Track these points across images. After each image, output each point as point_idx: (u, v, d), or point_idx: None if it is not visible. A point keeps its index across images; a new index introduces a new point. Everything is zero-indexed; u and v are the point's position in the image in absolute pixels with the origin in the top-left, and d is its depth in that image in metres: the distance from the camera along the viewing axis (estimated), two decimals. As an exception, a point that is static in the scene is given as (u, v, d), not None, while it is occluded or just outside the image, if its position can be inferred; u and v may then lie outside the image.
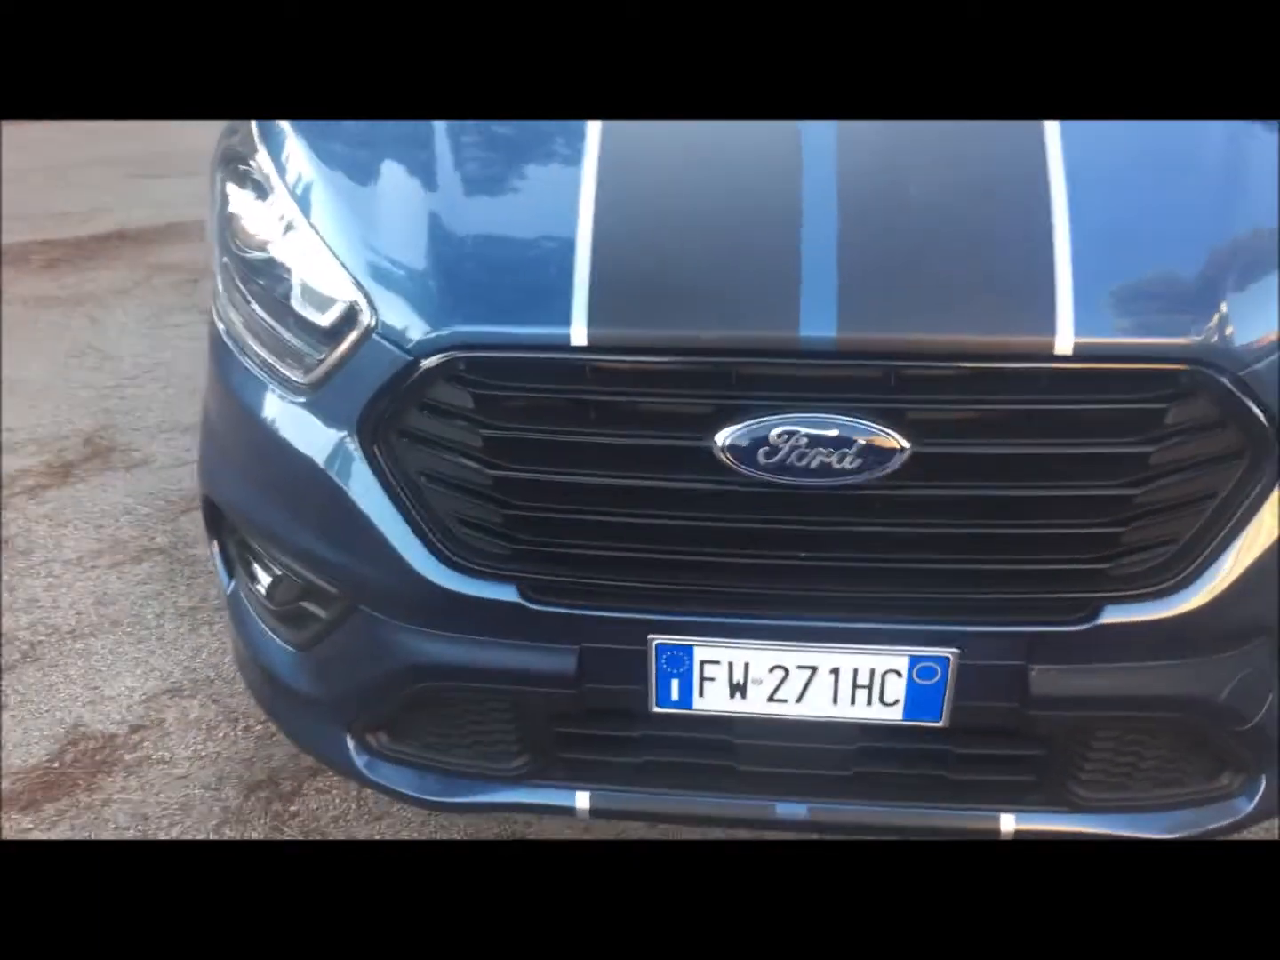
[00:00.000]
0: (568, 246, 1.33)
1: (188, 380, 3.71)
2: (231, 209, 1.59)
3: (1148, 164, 1.41)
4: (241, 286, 1.56)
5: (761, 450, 1.28)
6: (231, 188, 1.61)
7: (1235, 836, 1.53)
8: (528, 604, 1.40)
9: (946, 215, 1.35)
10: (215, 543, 1.79)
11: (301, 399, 1.46)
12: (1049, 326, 1.26)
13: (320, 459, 1.44)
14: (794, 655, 1.39)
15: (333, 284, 1.43)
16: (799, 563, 1.35)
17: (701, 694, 1.42)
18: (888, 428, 1.27)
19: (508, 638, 1.43)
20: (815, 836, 1.78)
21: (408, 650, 1.48)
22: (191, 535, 2.83)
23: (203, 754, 2.16)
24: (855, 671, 1.38)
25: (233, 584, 1.76)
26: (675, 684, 1.42)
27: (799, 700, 1.41)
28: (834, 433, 1.27)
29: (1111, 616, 1.35)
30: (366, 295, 1.39)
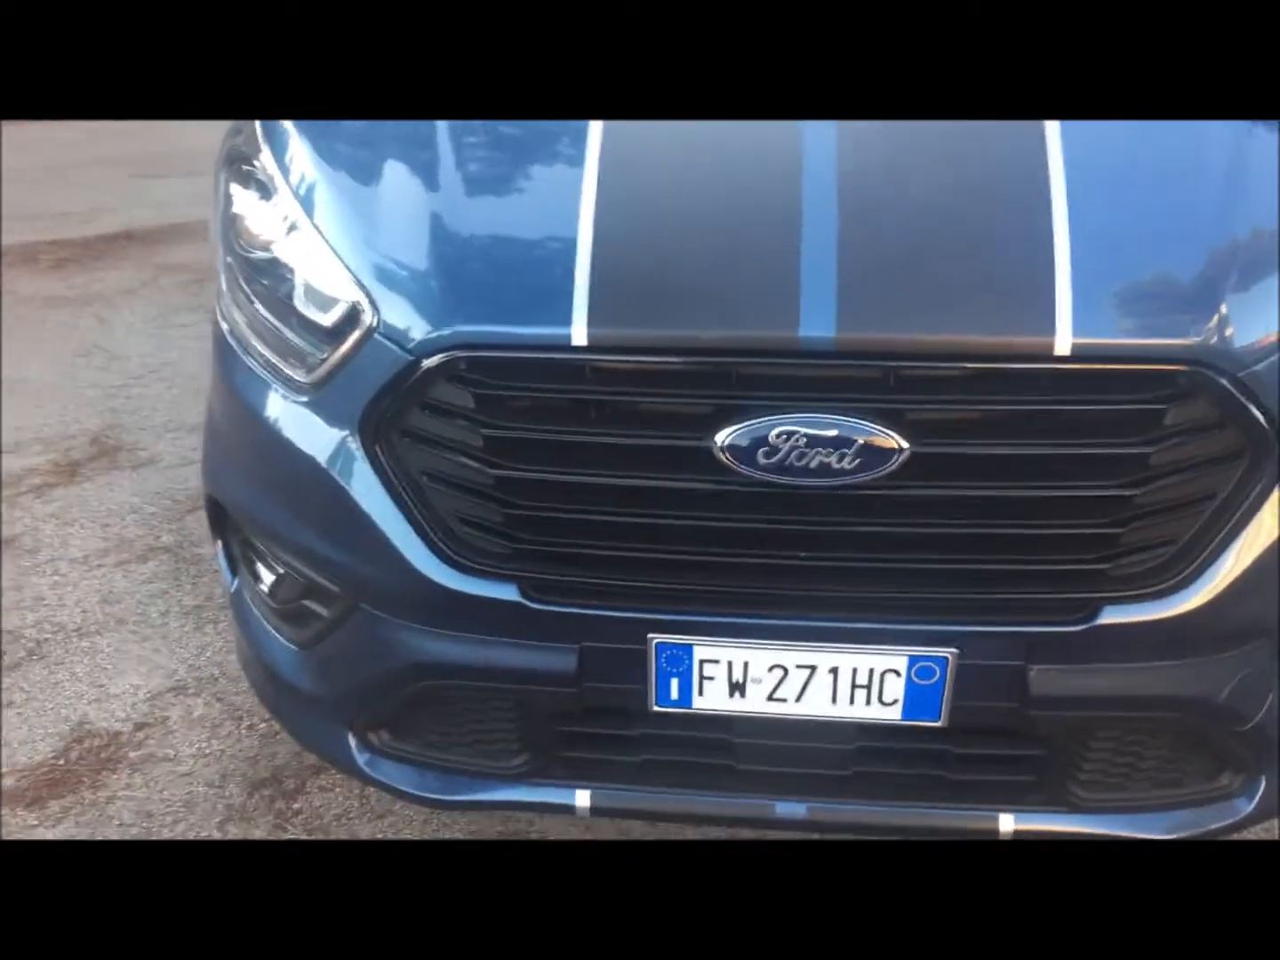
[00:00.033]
0: (568, 246, 1.34)
1: (194, 380, 3.72)
2: (235, 209, 1.60)
3: (1147, 165, 1.41)
4: (245, 286, 1.57)
5: (761, 450, 1.28)
6: (235, 188, 1.62)
7: (1235, 836, 1.53)
8: (528, 603, 1.41)
9: (946, 216, 1.35)
10: (219, 541, 1.80)
11: (304, 398, 1.47)
12: (1048, 327, 1.26)
13: (322, 458, 1.45)
14: (793, 655, 1.39)
15: (335, 284, 1.44)
16: (798, 562, 1.35)
17: (701, 693, 1.42)
18: (887, 428, 1.27)
19: (508, 637, 1.44)
20: (815, 836, 1.78)
21: (409, 649, 1.49)
22: (197, 534, 2.84)
23: (207, 752, 2.17)
24: (854, 671, 1.39)
25: (236, 582, 1.77)
26: (675, 683, 1.42)
27: (798, 700, 1.41)
28: (833, 433, 1.27)
29: (1111, 617, 1.35)
30: (368, 295, 1.40)
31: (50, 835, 1.98)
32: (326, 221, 1.47)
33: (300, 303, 1.48)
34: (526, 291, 1.36)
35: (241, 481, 1.64)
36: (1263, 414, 1.29)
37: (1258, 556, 1.33)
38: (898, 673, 1.38)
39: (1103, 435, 1.30)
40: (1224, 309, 1.29)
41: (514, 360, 1.34)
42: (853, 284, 1.29)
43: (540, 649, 1.43)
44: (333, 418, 1.44)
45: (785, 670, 1.40)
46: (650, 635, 1.39)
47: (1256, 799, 1.47)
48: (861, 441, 1.27)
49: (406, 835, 1.98)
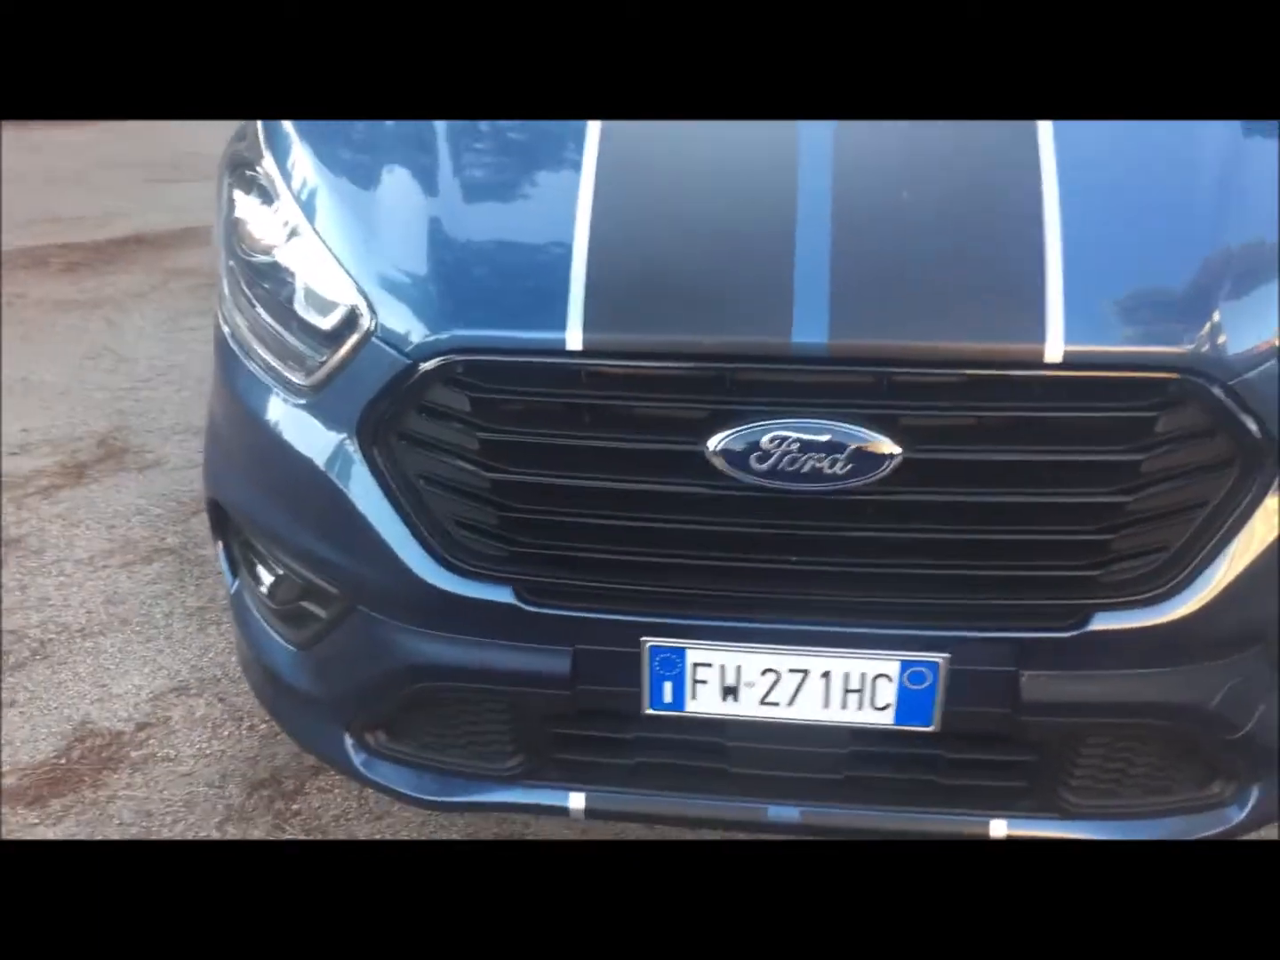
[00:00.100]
0: (564, 252, 1.35)
1: (201, 383, 3.74)
2: (237, 214, 1.62)
3: (1140, 173, 1.42)
4: (246, 290, 1.59)
5: (754, 455, 1.29)
6: (238, 193, 1.64)
7: (1252, 821, 1.50)
8: (523, 605, 1.42)
9: (939, 223, 1.36)
10: (220, 543, 1.82)
11: (302, 401, 1.48)
12: (1039, 334, 1.27)
13: (320, 460, 1.46)
14: (785, 659, 1.40)
15: (335, 288, 1.45)
16: (791, 567, 1.36)
17: (694, 696, 1.43)
18: (879, 433, 1.28)
19: (503, 639, 1.45)
20: (811, 837, 1.79)
21: (405, 650, 1.50)
22: (201, 536, 2.86)
23: (207, 752, 2.19)
24: (846, 675, 1.39)
25: (237, 584, 1.78)
26: (668, 686, 1.43)
27: (790, 704, 1.42)
28: (825, 438, 1.28)
29: (1102, 623, 1.35)
30: (367, 299, 1.42)
31: (51, 834, 2.00)
32: (327, 226, 1.49)
33: (300, 306, 1.49)
34: (523, 296, 1.37)
35: (242, 483, 1.66)
36: (1254, 422, 1.29)
37: (1249, 564, 1.33)
38: (889, 677, 1.39)
39: (1094, 442, 1.30)
40: (1216, 317, 1.30)
41: (510, 364, 1.35)
42: (845, 291, 1.30)
43: (535, 651, 1.44)
44: (331, 420, 1.45)
45: (778, 674, 1.41)
46: (644, 638, 1.40)
47: (1248, 808, 1.47)
48: (854, 447, 1.28)
49: (404, 836, 1.99)
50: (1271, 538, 1.33)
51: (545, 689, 1.45)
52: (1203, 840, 1.48)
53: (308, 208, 1.52)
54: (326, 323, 1.46)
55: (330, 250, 1.47)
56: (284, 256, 1.52)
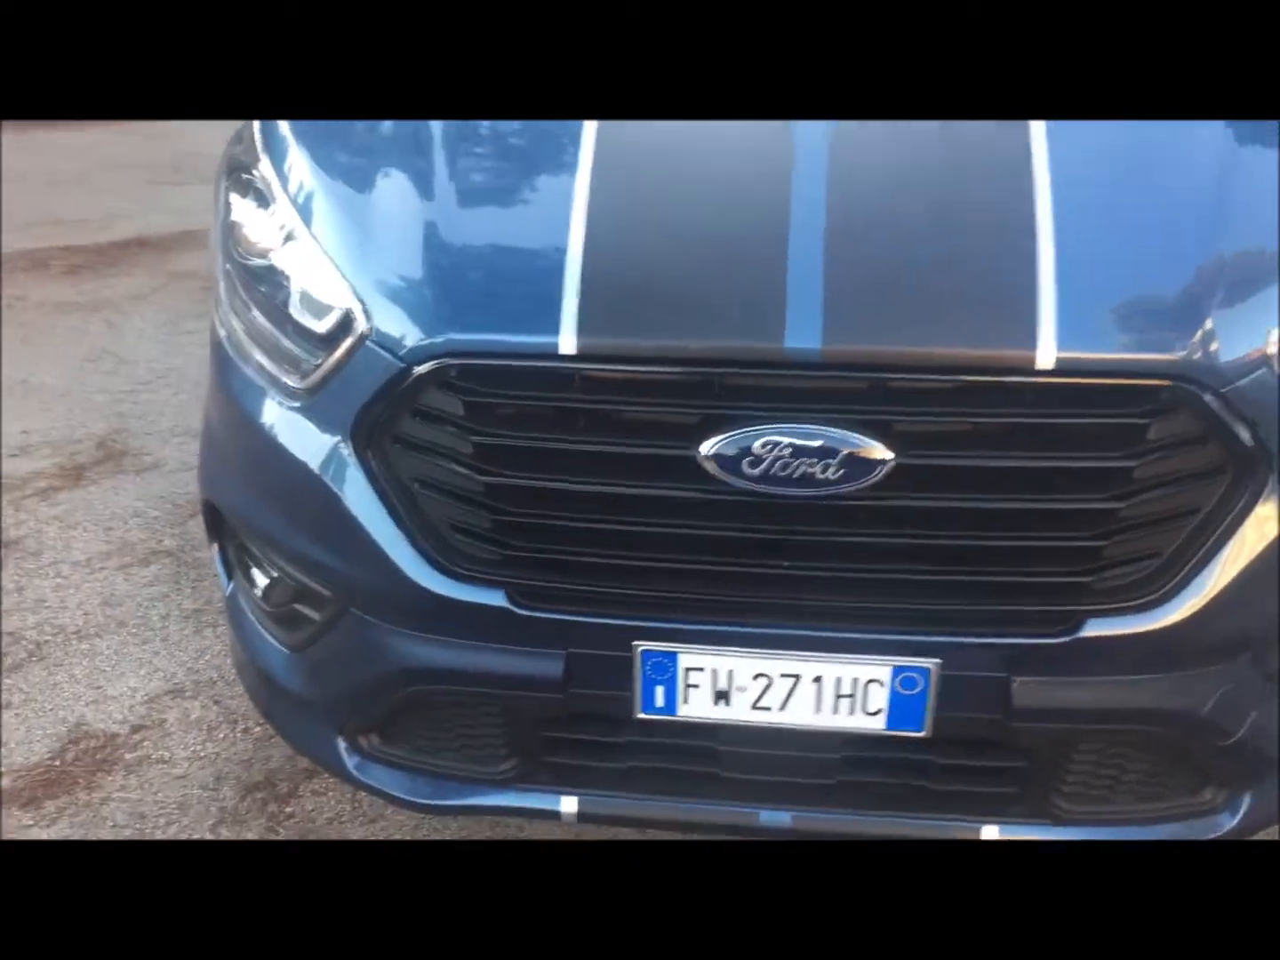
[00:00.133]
0: (559, 256, 1.35)
1: (200, 385, 3.72)
2: (234, 217, 1.62)
3: (1133, 180, 1.42)
4: (243, 293, 1.59)
5: (746, 460, 1.29)
6: (234, 196, 1.64)
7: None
8: (515, 609, 1.42)
9: (932, 229, 1.36)
10: (215, 545, 1.82)
11: (297, 404, 1.49)
12: (1030, 341, 1.27)
13: (315, 463, 1.46)
14: (777, 663, 1.40)
15: (330, 291, 1.46)
16: (783, 572, 1.37)
17: (686, 701, 1.43)
18: (871, 439, 1.28)
19: (495, 642, 1.45)
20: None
21: (398, 653, 1.50)
22: (199, 538, 2.85)
23: (202, 754, 2.19)
24: (838, 680, 1.40)
25: (232, 586, 1.79)
26: (660, 690, 1.43)
27: (782, 708, 1.42)
28: (817, 443, 1.28)
29: (1094, 630, 1.35)
30: (362, 303, 1.42)
31: (45, 835, 2.00)
32: (323, 230, 1.49)
33: (296, 310, 1.50)
34: (517, 300, 1.37)
35: (237, 486, 1.66)
36: (1246, 429, 1.30)
37: (1241, 571, 1.33)
38: (881, 683, 1.39)
39: (1086, 448, 1.31)
40: (1208, 324, 1.30)
41: (503, 368, 1.36)
42: (838, 296, 1.31)
43: (527, 655, 1.44)
44: (326, 423, 1.45)
45: (769, 679, 1.41)
46: (636, 642, 1.40)
47: (1240, 814, 1.47)
48: (846, 452, 1.28)
49: (398, 839, 1.99)
50: (1263, 545, 1.33)
51: (538, 692, 1.46)
52: (1202, 840, 1.48)
53: (304, 211, 1.53)
54: (322, 326, 1.46)
55: (326, 254, 1.47)
56: (280, 260, 1.53)
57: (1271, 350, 1.31)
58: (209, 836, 2.00)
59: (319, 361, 1.46)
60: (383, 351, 1.39)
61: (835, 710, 1.41)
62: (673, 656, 1.40)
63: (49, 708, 2.32)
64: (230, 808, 2.06)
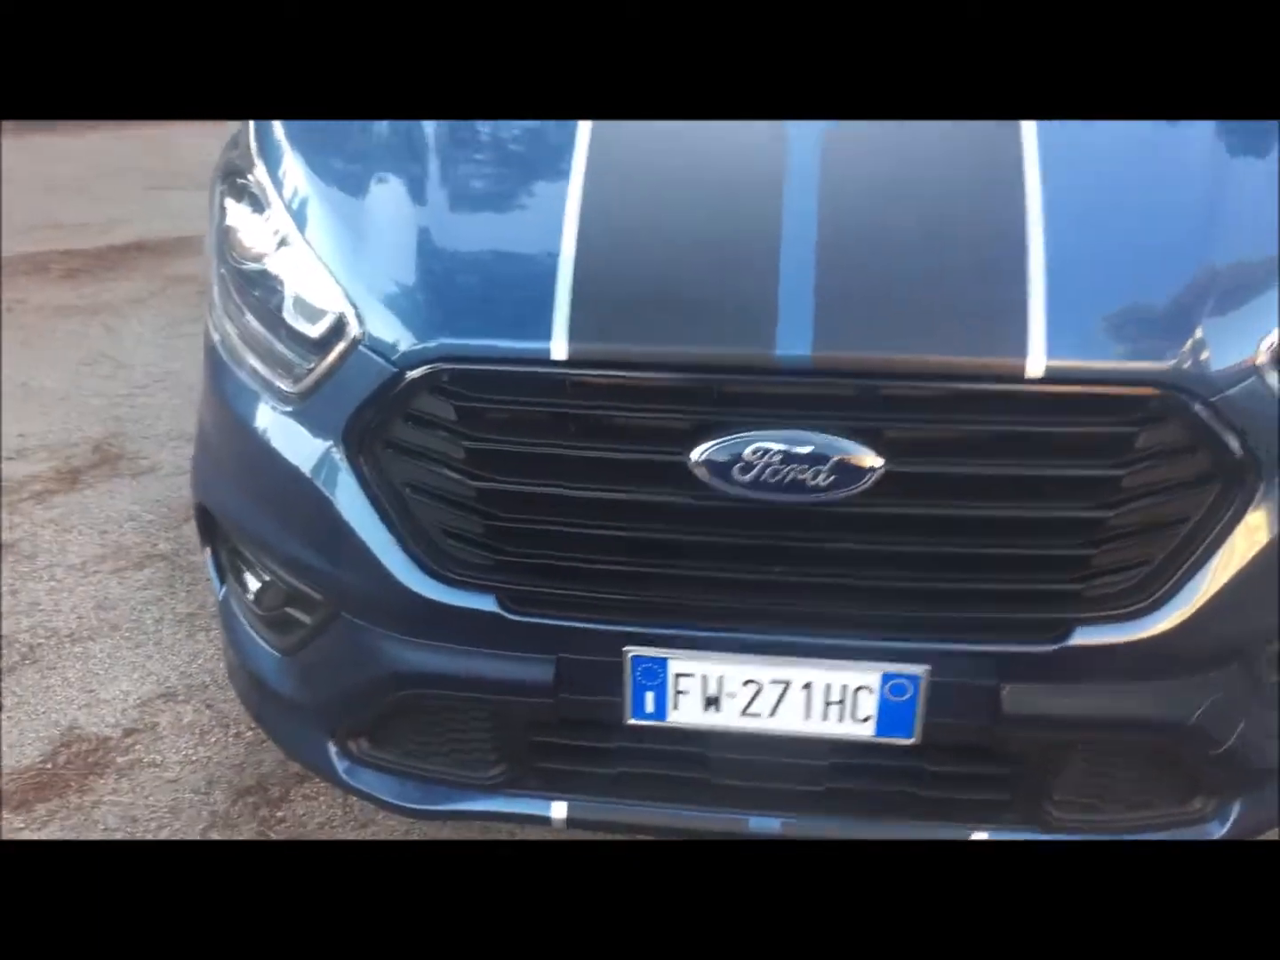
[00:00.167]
0: (551, 262, 1.36)
1: (197, 389, 3.74)
2: (229, 222, 1.63)
3: (1125, 188, 1.43)
4: (237, 298, 1.60)
5: (736, 466, 1.29)
6: (230, 201, 1.65)
7: (1234, 837, 1.50)
8: (506, 614, 1.42)
9: (924, 236, 1.37)
10: (209, 549, 1.82)
11: (290, 408, 1.49)
12: (1020, 349, 1.27)
13: (307, 467, 1.47)
14: (767, 669, 1.40)
15: (324, 296, 1.46)
16: (773, 578, 1.37)
17: (676, 706, 1.43)
18: (861, 446, 1.29)
19: (486, 647, 1.45)
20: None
21: (389, 657, 1.50)
22: (194, 542, 2.84)
23: (194, 758, 2.19)
24: (828, 687, 1.40)
25: (224, 590, 1.79)
26: (650, 696, 1.43)
27: (772, 715, 1.42)
28: (807, 450, 1.29)
29: (1083, 638, 1.36)
30: (356, 307, 1.42)
31: (35, 838, 2.00)
32: (317, 235, 1.50)
33: (289, 314, 1.50)
34: (509, 305, 1.38)
35: (229, 489, 1.66)
36: (1235, 438, 1.30)
37: (1230, 580, 1.34)
38: (871, 690, 1.39)
39: (1076, 457, 1.31)
40: (1199, 333, 1.30)
41: (496, 373, 1.36)
42: (829, 303, 1.31)
43: (518, 660, 1.44)
44: (318, 428, 1.46)
45: (759, 685, 1.41)
46: (626, 648, 1.40)
47: (1229, 823, 1.47)
48: (836, 459, 1.29)
49: (390, 840, 1.99)
50: (1252, 554, 1.34)
51: (528, 697, 1.46)
52: (1200, 841, 1.48)
53: (298, 216, 1.53)
54: (315, 330, 1.46)
55: (319, 259, 1.48)
56: (274, 264, 1.53)
57: (1261, 360, 1.32)
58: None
59: (312, 366, 1.46)
60: (375, 356, 1.39)
61: (825, 717, 1.41)
62: (663, 662, 1.41)
63: (41, 711, 2.32)
64: (221, 812, 2.06)
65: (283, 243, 1.52)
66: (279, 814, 2.06)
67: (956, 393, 1.29)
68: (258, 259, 1.56)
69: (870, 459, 1.29)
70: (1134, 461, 1.30)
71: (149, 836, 2.01)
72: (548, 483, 1.36)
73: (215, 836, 2.01)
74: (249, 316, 1.57)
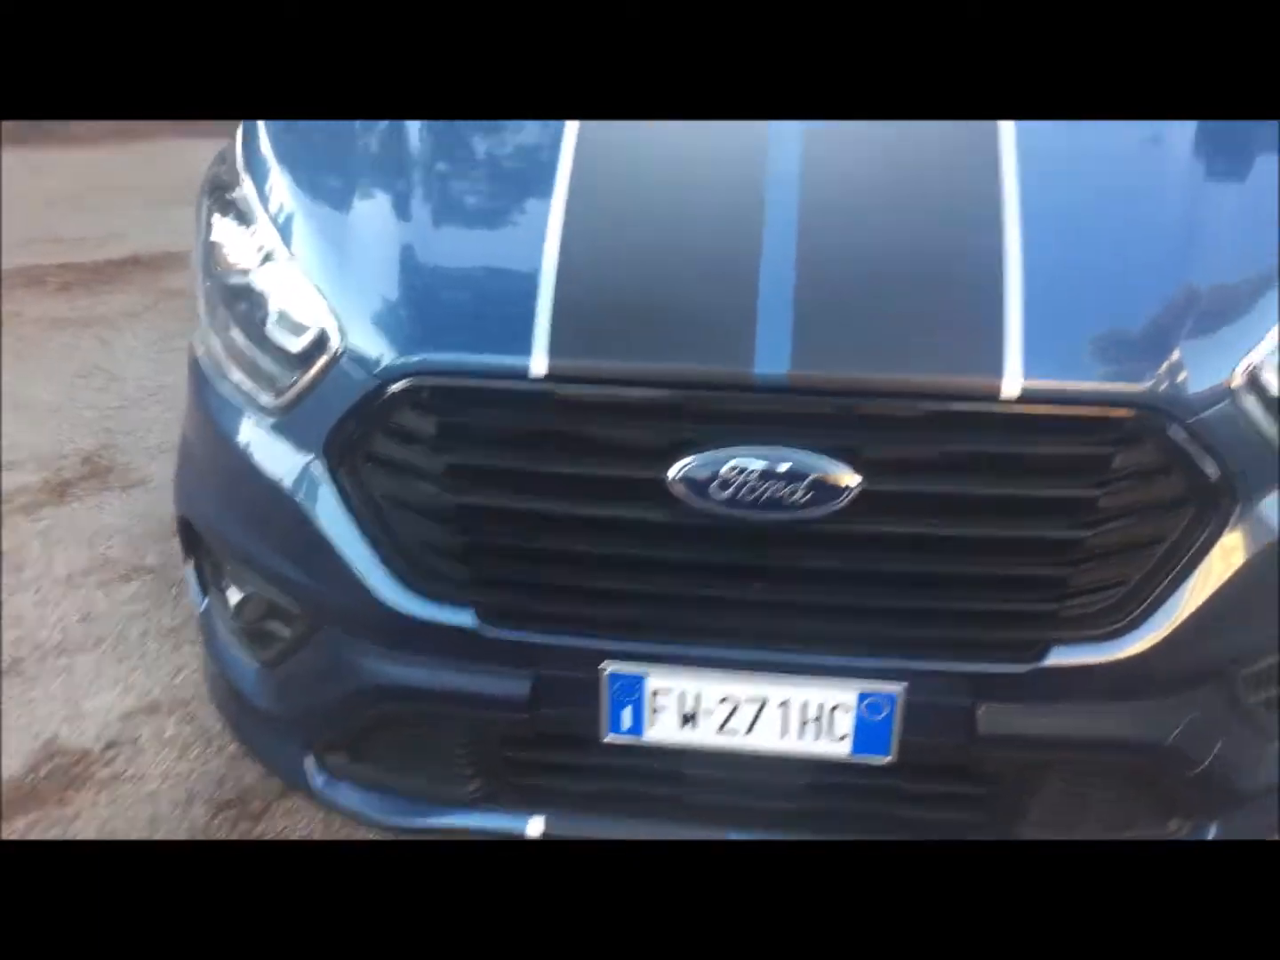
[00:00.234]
0: (532, 278, 1.36)
1: (189, 404, 3.75)
2: (215, 236, 1.64)
3: (1104, 208, 1.43)
4: (221, 312, 1.60)
5: (713, 484, 1.30)
6: (216, 216, 1.66)
7: (1234, 837, 1.50)
8: (484, 629, 1.42)
9: (903, 256, 1.37)
10: (191, 562, 1.82)
11: (272, 421, 1.49)
12: (996, 369, 1.28)
13: (288, 480, 1.47)
14: (744, 687, 1.40)
15: (308, 311, 1.47)
16: (750, 595, 1.37)
17: (652, 723, 1.43)
18: (838, 464, 1.29)
19: (463, 662, 1.45)
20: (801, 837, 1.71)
21: (367, 671, 1.50)
22: (181, 556, 2.85)
23: (174, 772, 2.18)
24: (804, 705, 1.40)
25: (206, 602, 1.79)
26: (627, 712, 1.43)
27: (748, 732, 1.42)
28: (784, 468, 1.29)
29: (1059, 658, 1.36)
30: (339, 322, 1.43)
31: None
32: (302, 250, 1.51)
33: (273, 328, 1.51)
34: (490, 321, 1.38)
35: (211, 502, 1.66)
36: (1211, 460, 1.31)
37: (1205, 601, 1.34)
38: (847, 708, 1.39)
39: (1052, 477, 1.32)
40: (1175, 355, 1.31)
41: (476, 388, 1.36)
42: (808, 322, 1.32)
43: (495, 675, 1.44)
44: (299, 441, 1.46)
45: (736, 703, 1.41)
46: (603, 664, 1.40)
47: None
48: (813, 477, 1.29)
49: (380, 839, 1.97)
50: (1228, 575, 1.34)
51: (505, 713, 1.46)
52: (1200, 841, 1.47)
53: (284, 231, 1.54)
54: (298, 344, 1.47)
55: (304, 273, 1.49)
56: (259, 279, 1.54)
57: (1238, 382, 1.32)
58: (178, 855, 1.98)
59: (294, 379, 1.47)
60: (357, 370, 1.40)
61: (801, 735, 1.41)
62: (639, 679, 1.41)
63: (23, 724, 2.31)
64: (200, 826, 2.05)
65: (267, 257, 1.53)
66: (259, 828, 2.05)
67: (933, 412, 1.30)
68: (243, 273, 1.57)
69: (847, 477, 1.29)
70: (1110, 482, 1.31)
71: (127, 850, 1.99)
72: (526, 499, 1.37)
73: (194, 851, 1.99)
74: (233, 330, 1.58)
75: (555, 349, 1.32)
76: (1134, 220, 1.43)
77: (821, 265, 1.35)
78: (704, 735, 1.43)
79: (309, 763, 1.61)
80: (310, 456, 1.45)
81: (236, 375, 1.56)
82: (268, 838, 2.03)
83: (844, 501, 1.30)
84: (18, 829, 2.04)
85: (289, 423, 1.48)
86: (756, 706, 1.40)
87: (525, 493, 1.37)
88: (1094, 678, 1.36)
